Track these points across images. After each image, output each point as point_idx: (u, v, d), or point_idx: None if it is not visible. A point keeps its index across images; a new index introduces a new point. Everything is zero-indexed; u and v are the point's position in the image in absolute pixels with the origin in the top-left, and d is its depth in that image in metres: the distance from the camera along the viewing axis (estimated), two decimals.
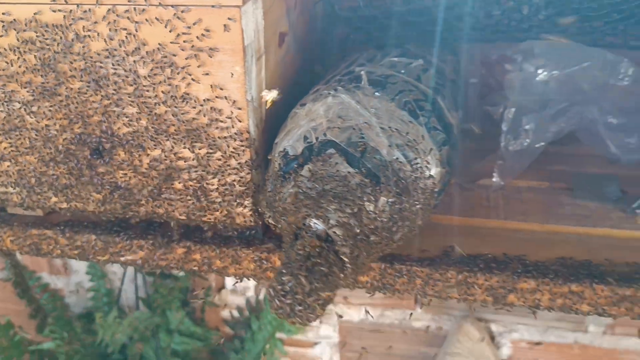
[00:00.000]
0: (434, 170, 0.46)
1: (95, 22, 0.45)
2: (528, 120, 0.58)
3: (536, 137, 0.60)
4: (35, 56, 0.47)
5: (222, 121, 0.47)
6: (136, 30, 0.45)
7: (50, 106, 0.49)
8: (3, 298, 1.09)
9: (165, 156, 0.49)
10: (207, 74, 0.45)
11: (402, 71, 0.52)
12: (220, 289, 1.09)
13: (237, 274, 0.54)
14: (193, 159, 0.49)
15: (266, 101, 0.46)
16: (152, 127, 0.48)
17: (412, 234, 0.48)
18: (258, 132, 0.49)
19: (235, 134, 0.47)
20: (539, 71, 0.56)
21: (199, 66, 0.45)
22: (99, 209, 0.53)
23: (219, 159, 0.48)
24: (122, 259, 0.56)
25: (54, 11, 0.45)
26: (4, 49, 0.48)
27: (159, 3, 0.43)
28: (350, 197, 0.40)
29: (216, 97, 0.46)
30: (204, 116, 0.47)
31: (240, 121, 0.47)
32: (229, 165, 0.49)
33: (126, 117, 0.48)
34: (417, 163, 0.44)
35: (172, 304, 1.04)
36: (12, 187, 0.54)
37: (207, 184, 0.50)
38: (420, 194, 0.44)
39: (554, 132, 0.62)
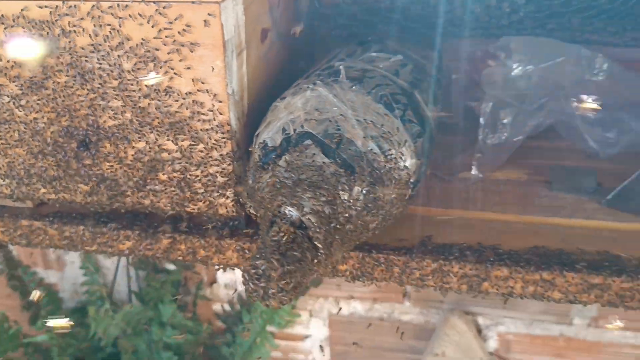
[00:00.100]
0: (409, 162, 0.48)
1: (81, 19, 0.47)
2: (506, 114, 0.60)
3: (514, 131, 0.62)
4: None
5: (203, 114, 0.48)
6: (120, 26, 0.46)
7: (38, 100, 0.51)
8: None
9: (150, 148, 0.51)
10: (188, 68, 0.47)
11: (381, 66, 0.54)
12: (212, 283, 1.11)
13: (221, 263, 0.55)
14: (176, 151, 0.50)
15: None
16: (137, 120, 0.50)
17: (388, 223, 0.49)
18: (240, 125, 0.50)
19: (217, 126, 0.49)
20: (514, 66, 0.57)
21: (180, 60, 0.47)
22: (86, 200, 0.55)
23: (202, 151, 0.50)
24: (109, 249, 0.57)
25: (40, 7, 0.47)
26: None
27: None
28: (325, 186, 0.42)
29: (198, 90, 0.48)
30: (187, 109, 0.48)
31: (221, 114, 0.48)
32: (211, 157, 0.50)
33: (111, 110, 0.50)
34: (392, 154, 0.45)
35: (164, 297, 1.05)
36: (1, 179, 0.56)
37: (190, 175, 0.51)
38: (394, 184, 0.46)
39: (533, 126, 0.63)
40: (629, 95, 0.64)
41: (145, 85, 0.47)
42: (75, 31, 0.47)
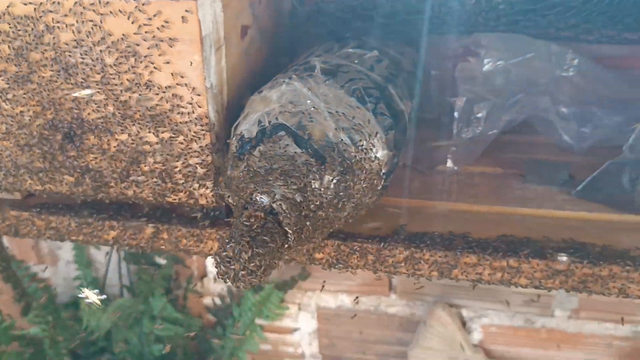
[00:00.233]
0: (380, 153, 0.50)
1: (64, 15, 0.49)
2: (479, 108, 0.62)
3: (488, 125, 0.63)
4: (9, 46, 0.51)
5: (183, 107, 0.50)
6: (101, 22, 0.48)
7: (24, 94, 0.53)
8: None
9: (132, 140, 0.53)
10: (168, 63, 0.49)
11: (356, 61, 0.56)
12: (203, 277, 1.12)
13: (202, 253, 0.57)
14: (157, 143, 0.52)
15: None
16: (119, 113, 0.52)
17: (361, 212, 0.51)
18: (219, 118, 0.52)
19: (196, 118, 0.51)
20: (485, 62, 0.59)
21: (160, 55, 0.48)
22: (72, 190, 0.57)
23: (182, 143, 0.52)
24: (95, 239, 0.59)
25: (25, 4, 0.49)
26: None
27: None
28: (296, 174, 0.44)
29: (177, 84, 0.49)
30: (166, 102, 0.50)
31: (200, 107, 0.50)
32: (190, 148, 0.52)
33: (95, 103, 0.52)
34: (362, 145, 0.47)
35: (155, 291, 1.07)
36: None
37: (171, 166, 0.53)
38: (365, 173, 0.48)
39: (507, 121, 0.65)
40: (600, 90, 0.66)
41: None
42: (58, 27, 0.49)
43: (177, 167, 0.53)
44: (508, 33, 0.61)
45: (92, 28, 0.48)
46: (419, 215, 0.58)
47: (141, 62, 0.49)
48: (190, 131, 0.51)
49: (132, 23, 0.48)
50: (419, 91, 0.65)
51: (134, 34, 0.48)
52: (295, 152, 0.45)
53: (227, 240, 0.40)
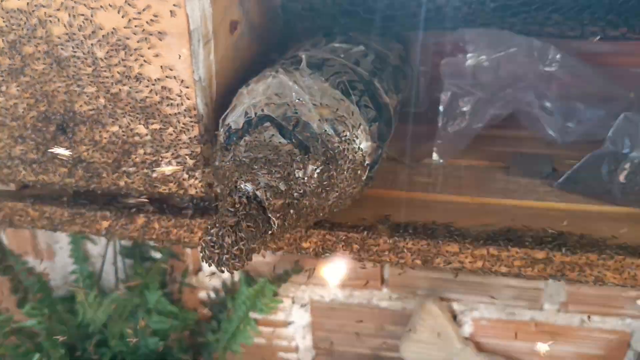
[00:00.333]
0: (364, 144, 0.51)
1: (57, 9, 0.50)
2: (464, 103, 0.63)
3: (473, 119, 0.65)
4: (3, 40, 0.52)
5: (172, 99, 0.52)
6: (92, 16, 0.49)
7: (18, 86, 0.54)
8: None
9: (123, 132, 0.54)
10: (157, 56, 0.50)
11: (342, 55, 0.57)
12: (198, 271, 1.14)
13: (193, 243, 0.59)
14: (147, 135, 0.54)
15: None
16: (110, 105, 0.53)
17: (346, 201, 0.53)
18: (207, 110, 0.54)
19: (185, 110, 0.52)
20: (468, 57, 0.60)
21: (149, 48, 0.50)
22: (65, 181, 0.58)
23: (171, 134, 0.53)
24: (87, 229, 0.61)
25: None
26: None
27: None
28: (280, 163, 0.45)
29: (166, 77, 0.51)
30: (156, 94, 0.52)
31: (188, 99, 0.52)
32: (180, 139, 0.53)
33: (86, 96, 0.53)
34: (346, 136, 0.49)
35: (150, 284, 1.09)
36: None
37: (161, 157, 0.55)
38: (348, 163, 0.49)
39: (492, 115, 0.67)
40: (583, 86, 0.67)
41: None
42: (51, 21, 0.50)
43: (167, 158, 0.55)
44: (491, 29, 0.63)
45: (83, 22, 0.50)
46: (403, 206, 0.59)
47: (131, 55, 0.50)
48: (179, 123, 0.53)
49: (122, 17, 0.49)
50: (407, 86, 0.67)
51: (124, 27, 0.49)
52: (279, 142, 0.46)
53: (212, 225, 0.41)
